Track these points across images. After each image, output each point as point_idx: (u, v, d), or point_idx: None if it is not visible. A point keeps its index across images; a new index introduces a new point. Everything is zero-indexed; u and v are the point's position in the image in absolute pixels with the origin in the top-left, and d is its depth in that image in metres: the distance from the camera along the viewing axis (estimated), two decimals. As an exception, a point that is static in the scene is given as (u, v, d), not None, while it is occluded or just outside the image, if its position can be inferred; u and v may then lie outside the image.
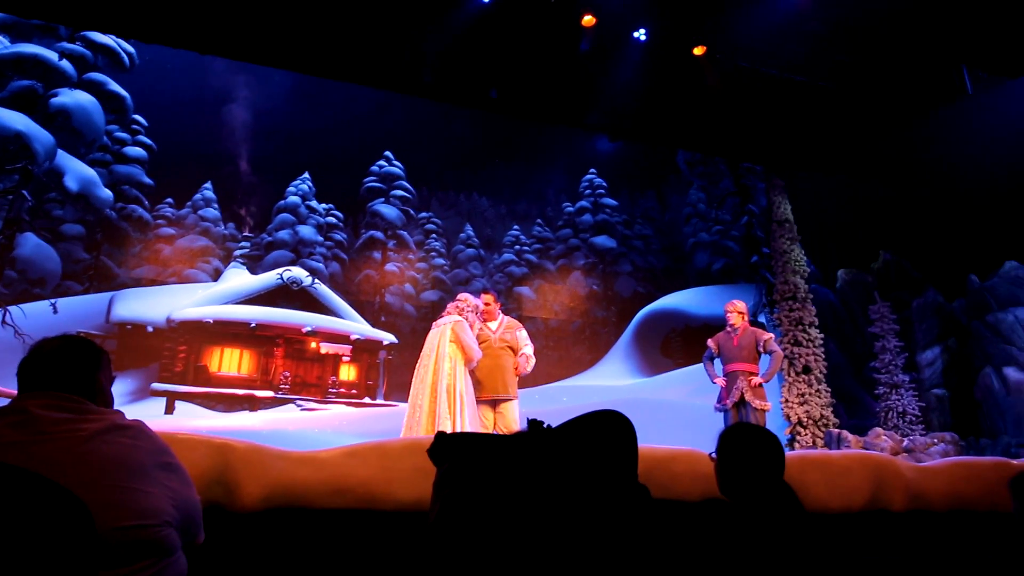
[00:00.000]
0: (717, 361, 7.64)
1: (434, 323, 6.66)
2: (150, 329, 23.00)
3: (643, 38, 9.43)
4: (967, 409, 15.30)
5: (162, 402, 19.89)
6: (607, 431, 1.59)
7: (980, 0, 8.66)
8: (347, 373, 24.79)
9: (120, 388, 20.78)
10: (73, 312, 22.41)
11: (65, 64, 17.66)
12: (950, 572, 3.20)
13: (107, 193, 18.93)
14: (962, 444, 12.78)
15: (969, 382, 15.42)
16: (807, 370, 12.39)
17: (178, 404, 19.92)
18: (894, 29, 9.21)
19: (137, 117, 28.66)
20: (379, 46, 8.99)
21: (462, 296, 6.86)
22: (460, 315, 6.57)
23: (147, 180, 29.13)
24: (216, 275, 30.07)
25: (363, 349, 24.85)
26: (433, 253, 38.28)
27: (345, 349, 23.73)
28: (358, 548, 3.38)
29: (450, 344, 6.35)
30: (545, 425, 1.50)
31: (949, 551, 4.36)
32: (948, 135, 12.77)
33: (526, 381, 6.72)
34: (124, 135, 28.87)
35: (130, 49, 20.31)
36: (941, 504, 4.60)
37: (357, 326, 25.11)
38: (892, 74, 10.22)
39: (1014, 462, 5.01)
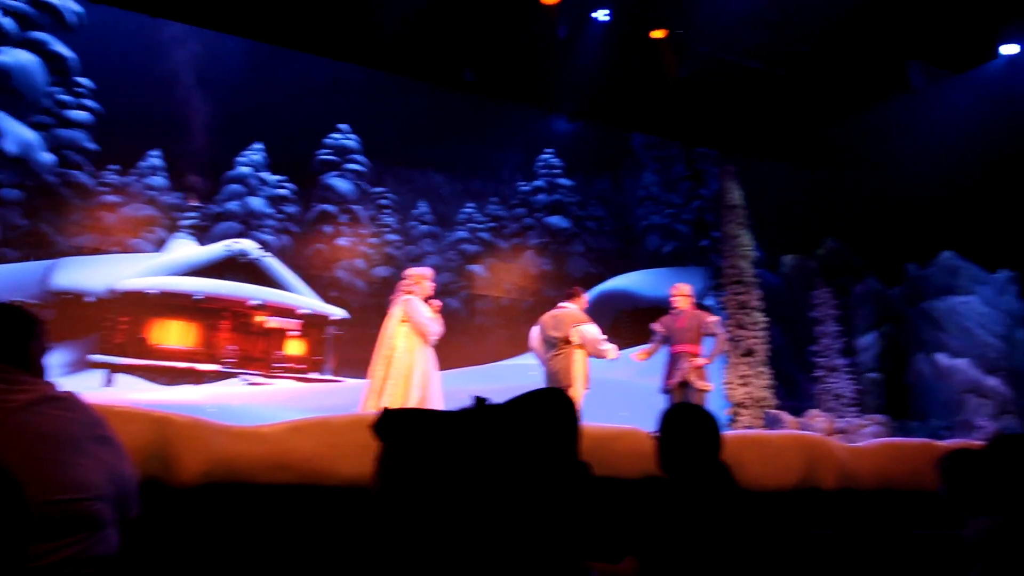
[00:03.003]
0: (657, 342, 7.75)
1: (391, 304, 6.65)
2: (90, 299, 22.37)
3: (604, 19, 9.42)
4: (899, 392, 15.85)
5: (101, 374, 19.43)
6: (551, 409, 1.62)
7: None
8: (294, 348, 24.49)
9: (57, 359, 20.22)
10: (9, 280, 21.67)
11: (6, 21, 16.94)
12: (875, 549, 3.34)
13: (48, 157, 18.33)
14: (893, 426, 13.26)
15: (902, 367, 15.97)
16: (750, 353, 12.68)
17: (118, 376, 19.49)
18: (847, 21, 9.38)
19: (82, 79, 27.61)
20: (335, 16, 8.81)
21: (406, 273, 6.79)
22: (407, 293, 6.51)
23: (91, 145, 28.13)
24: (161, 245, 29.31)
25: (312, 324, 24.58)
26: (386, 229, 37.88)
27: (293, 323, 23.44)
28: (300, 523, 3.37)
29: (401, 324, 6.34)
30: (490, 402, 1.51)
31: (875, 528, 4.54)
32: (894, 127, 13.10)
33: (476, 359, 6.81)
34: (68, 98, 27.74)
35: (76, 8, 19.56)
36: (869, 483, 4.78)
37: (306, 300, 24.82)
38: (844, 65, 10.42)
39: (939, 443, 5.23)
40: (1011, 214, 15.98)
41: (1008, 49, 9.95)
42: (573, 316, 6.91)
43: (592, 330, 6.83)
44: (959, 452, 2.78)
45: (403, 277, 6.75)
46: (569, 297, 7.18)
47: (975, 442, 5.12)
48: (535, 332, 7.15)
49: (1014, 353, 14.85)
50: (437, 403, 6.20)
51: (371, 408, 6.02)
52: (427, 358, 6.35)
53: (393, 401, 5.98)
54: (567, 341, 6.78)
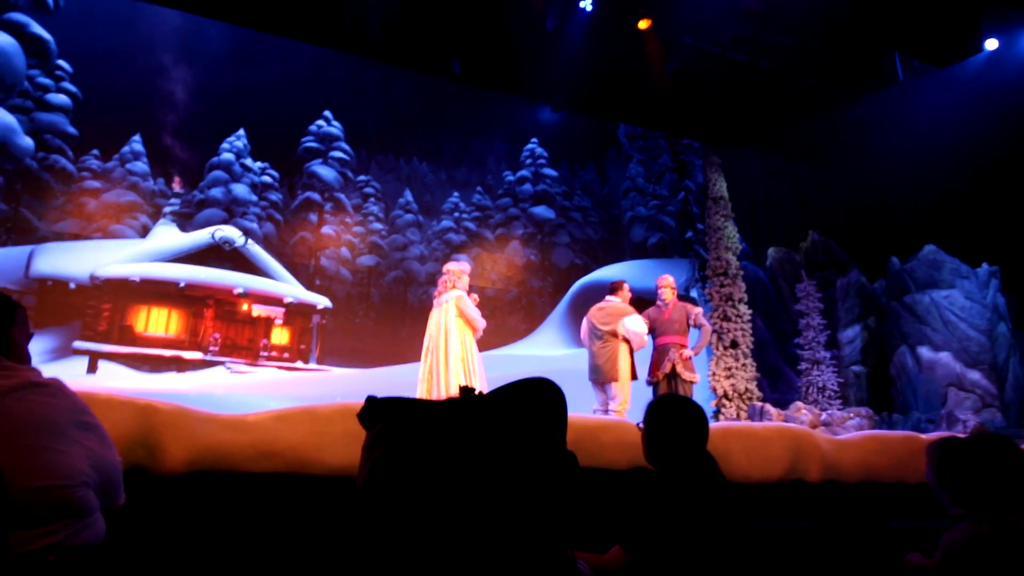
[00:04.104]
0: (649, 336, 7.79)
1: (435, 300, 6.80)
2: (72, 286, 22.15)
3: (589, 8, 9.39)
4: (882, 385, 16.01)
5: (84, 361, 19.25)
6: (538, 398, 1.60)
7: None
8: (279, 336, 24.38)
9: (39, 346, 20.02)
10: (-11, 265, 21.42)
11: (-18, 2, 16.67)
12: (858, 541, 3.36)
13: (27, 141, 18.06)
14: (876, 419, 13.38)
15: (885, 360, 16.12)
16: (735, 344, 12.74)
17: (101, 364, 19.32)
18: (831, 13, 9.40)
19: (62, 63, 27.20)
20: (319, 1, 8.73)
21: (448, 268, 6.94)
22: (453, 288, 6.70)
23: (71, 130, 27.77)
24: (144, 232, 29.03)
25: (296, 312, 24.46)
26: (371, 217, 37.74)
27: (278, 312, 23.31)
28: (286, 512, 3.35)
29: (457, 319, 6.55)
30: (476, 391, 1.50)
31: (859, 521, 4.58)
32: (878, 120, 13.16)
33: None
34: (47, 81, 27.38)
35: (54, -10, 19.25)
36: (853, 475, 4.81)
37: (291, 289, 24.68)
38: (828, 58, 10.44)
39: (922, 436, 5.27)
40: (993, 209, 16.15)
41: (991, 44, 9.98)
42: (620, 309, 7.20)
43: (637, 323, 7.09)
44: (949, 440, 2.80)
45: (444, 272, 6.91)
46: (614, 291, 7.45)
47: (959, 435, 5.18)
48: (584, 326, 7.41)
49: (995, 347, 15.02)
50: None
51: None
52: (477, 351, 6.65)
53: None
54: (614, 334, 7.05)
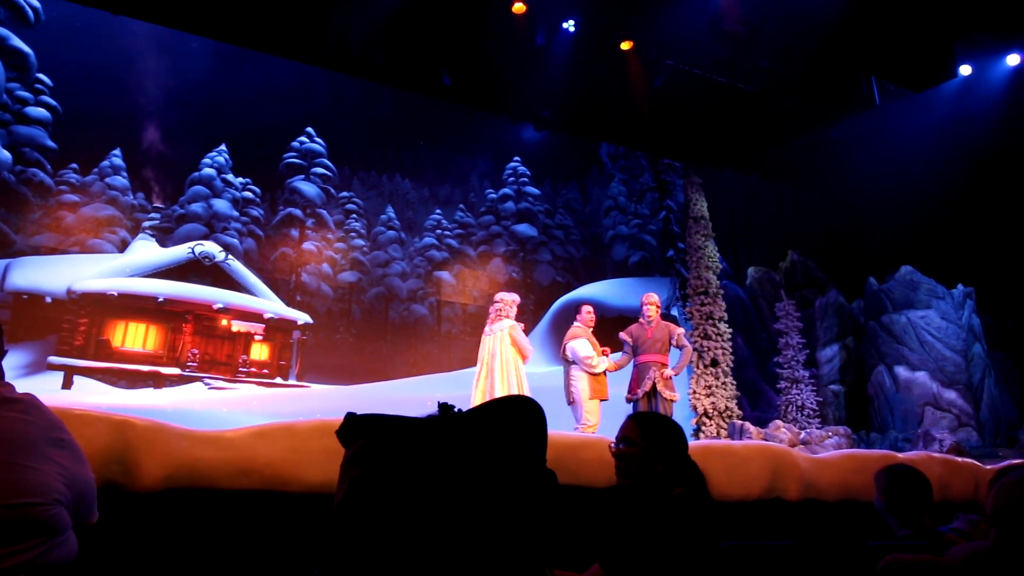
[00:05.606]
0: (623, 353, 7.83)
1: (487, 328, 7.12)
2: (49, 300, 21.89)
3: (572, 29, 9.49)
4: (860, 404, 16.13)
5: (59, 376, 18.98)
6: (518, 416, 1.60)
7: (888, 16, 9.07)
8: (259, 352, 24.20)
9: (13, 361, 19.73)
10: (-37, 279, 21.10)
11: (-38, 14, 16.54)
12: (836, 560, 3.37)
13: (5, 155, 17.88)
14: (854, 438, 13.46)
15: (863, 379, 16.26)
16: (715, 363, 12.80)
17: (77, 379, 19.05)
18: (809, 38, 9.55)
19: (41, 76, 26.99)
20: (303, 19, 8.75)
21: (500, 297, 7.25)
22: (507, 317, 7.04)
23: (50, 143, 27.50)
24: (123, 246, 28.75)
25: (276, 328, 24.30)
26: (353, 234, 37.66)
27: (258, 328, 23.16)
28: (263, 530, 3.32)
29: (511, 347, 6.89)
30: (456, 409, 1.50)
31: (837, 539, 4.59)
32: (856, 143, 13.36)
33: (443, 366, 7.04)
34: (26, 94, 27.12)
35: (35, 3, 19.14)
36: (831, 494, 4.84)
37: (271, 304, 24.54)
38: (807, 81, 10.61)
39: (899, 455, 5.31)
40: (967, 231, 16.41)
41: (965, 70, 10.19)
42: (572, 333, 7.38)
43: (579, 346, 7.17)
44: (895, 467, 2.91)
45: (496, 301, 7.23)
46: (577, 314, 7.66)
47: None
48: None
49: (970, 367, 15.20)
50: None
51: None
52: (527, 377, 7.00)
53: None
54: (566, 358, 7.28)
